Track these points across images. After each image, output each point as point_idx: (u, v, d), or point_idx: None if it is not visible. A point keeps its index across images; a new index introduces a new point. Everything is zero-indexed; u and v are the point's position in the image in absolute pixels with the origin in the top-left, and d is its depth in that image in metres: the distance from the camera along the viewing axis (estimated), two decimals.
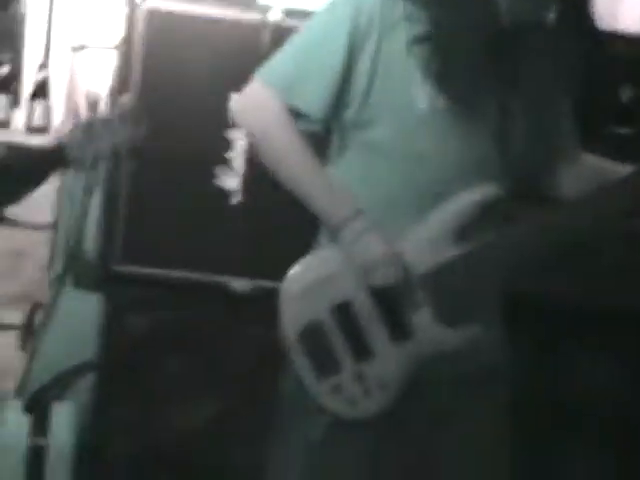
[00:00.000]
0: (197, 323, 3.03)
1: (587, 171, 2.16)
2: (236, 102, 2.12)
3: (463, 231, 2.02)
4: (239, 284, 3.02)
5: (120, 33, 3.13)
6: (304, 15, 3.03)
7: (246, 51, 2.94)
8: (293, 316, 2.04)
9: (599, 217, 1.99)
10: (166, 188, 3.00)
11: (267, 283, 2.96)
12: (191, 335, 3.05)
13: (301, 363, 2.03)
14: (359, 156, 2.08)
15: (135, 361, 3.03)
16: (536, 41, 2.04)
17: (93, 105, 3.29)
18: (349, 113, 2.05)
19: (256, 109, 2.06)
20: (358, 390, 2.01)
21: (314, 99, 2.03)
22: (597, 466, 3.11)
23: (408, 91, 2.01)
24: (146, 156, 2.93)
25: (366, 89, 2.02)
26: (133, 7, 2.99)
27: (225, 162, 3.00)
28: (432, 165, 2.02)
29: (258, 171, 2.86)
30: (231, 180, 3.00)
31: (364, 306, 2.01)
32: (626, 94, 2.93)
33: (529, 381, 2.86)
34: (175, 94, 2.99)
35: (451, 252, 2.01)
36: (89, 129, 2.18)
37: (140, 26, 2.97)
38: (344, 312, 2.02)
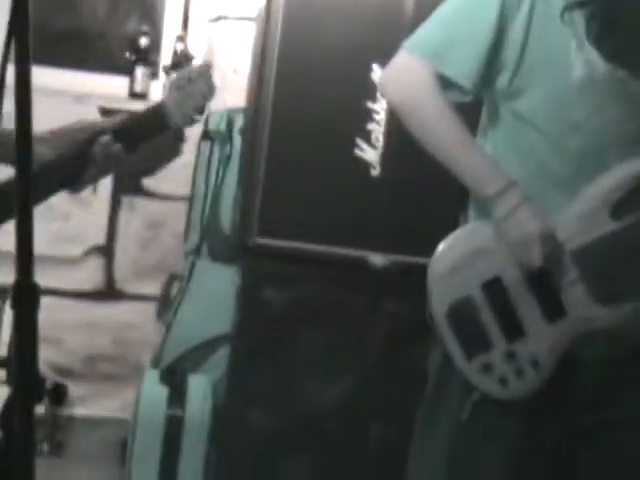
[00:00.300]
0: (335, 298, 2.97)
1: None
2: (384, 73, 2.06)
3: (620, 205, 1.94)
4: (378, 259, 2.93)
5: (259, 3, 3.07)
6: None
7: (388, 21, 2.90)
8: (442, 293, 1.98)
9: None
10: (305, 159, 2.96)
11: (406, 258, 2.93)
12: (328, 310, 3.00)
13: (450, 341, 1.97)
14: (511, 127, 2.02)
15: (272, 335, 2.99)
16: None
17: None
18: (500, 83, 1.99)
19: (405, 79, 2.00)
20: (509, 369, 1.95)
21: (465, 68, 1.97)
22: None
23: (563, 59, 1.93)
24: (285, 127, 2.93)
25: (518, 58, 1.96)
26: None
27: (365, 134, 2.92)
28: (587, 135, 1.95)
29: (398, 144, 2.88)
30: (371, 152, 2.92)
31: (516, 282, 1.94)
32: None
33: None
34: (315, 65, 2.94)
35: (607, 227, 1.93)
36: (183, 86, 2.15)
37: None
38: (495, 288, 1.96)
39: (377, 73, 2.90)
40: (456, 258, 1.99)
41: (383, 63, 2.86)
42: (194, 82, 2.14)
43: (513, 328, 1.95)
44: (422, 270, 2.90)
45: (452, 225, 2.82)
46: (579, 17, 1.92)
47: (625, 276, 1.96)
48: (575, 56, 1.93)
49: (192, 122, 2.16)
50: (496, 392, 1.96)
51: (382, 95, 2.08)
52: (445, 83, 1.98)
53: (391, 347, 2.98)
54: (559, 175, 1.97)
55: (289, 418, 2.98)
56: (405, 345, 2.95)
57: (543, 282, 1.94)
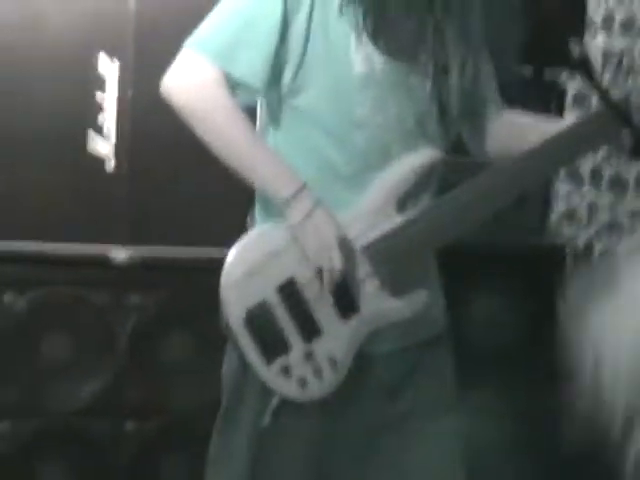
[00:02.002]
0: (78, 296, 2.85)
1: (507, 127, 2.13)
2: (168, 75, 1.92)
3: (405, 198, 1.95)
4: (119, 253, 2.82)
5: None
6: None
7: (112, 8, 2.80)
8: (238, 300, 1.91)
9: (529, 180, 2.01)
10: (34, 157, 2.80)
11: (146, 250, 2.88)
12: (72, 309, 2.88)
13: (248, 347, 1.91)
14: (294, 126, 1.98)
15: (14, 341, 2.85)
16: None
17: None
18: (284, 80, 1.94)
19: (191, 82, 1.91)
20: (308, 370, 1.91)
21: (253, 67, 1.91)
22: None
23: (343, 54, 1.91)
24: (12, 125, 2.76)
25: (301, 53, 1.92)
26: None
27: (97, 126, 2.80)
28: (371, 131, 1.94)
29: (131, 135, 2.77)
30: (104, 145, 2.78)
31: (309, 282, 1.91)
32: None
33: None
34: (40, 57, 2.79)
35: (394, 221, 1.93)
36: None
37: None
38: (290, 290, 1.92)
39: (103, 62, 2.79)
40: (249, 263, 1.92)
41: (109, 52, 2.78)
42: None
43: (310, 328, 1.92)
44: (165, 262, 2.87)
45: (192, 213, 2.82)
46: (357, 11, 1.90)
47: (412, 268, 1.97)
48: (355, 51, 1.91)
49: None
50: (296, 394, 1.92)
51: (167, 98, 1.94)
52: (233, 82, 1.91)
53: (138, 342, 2.91)
54: (345, 172, 1.95)
55: (41, 424, 2.86)
56: (152, 339, 2.90)
57: (336, 280, 1.92)
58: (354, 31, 1.90)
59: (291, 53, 1.91)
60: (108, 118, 2.80)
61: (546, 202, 3.33)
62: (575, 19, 3.05)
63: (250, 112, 1.98)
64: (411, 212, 1.93)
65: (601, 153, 3.39)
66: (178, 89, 1.89)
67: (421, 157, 1.95)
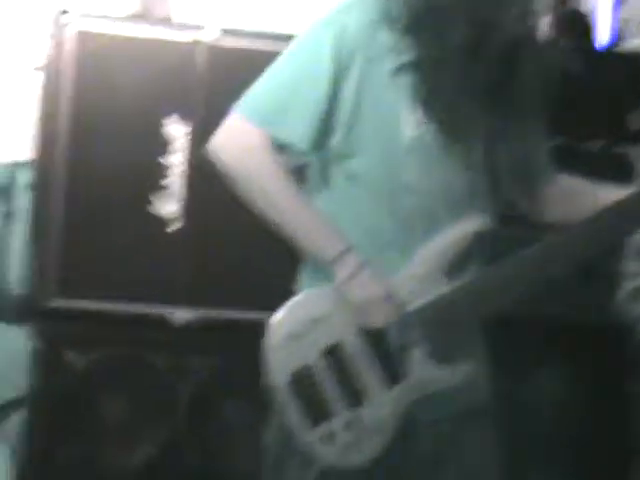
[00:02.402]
0: (139, 357, 2.86)
1: (564, 192, 2.11)
2: (215, 139, 1.94)
3: (454, 265, 1.94)
4: (181, 314, 2.82)
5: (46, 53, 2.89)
6: (242, 35, 2.90)
7: (180, 73, 2.84)
8: (281, 362, 1.92)
9: (581, 252, 1.97)
10: (101, 218, 2.82)
11: (210, 312, 2.88)
12: (133, 370, 2.90)
13: (291, 412, 1.90)
14: (343, 188, 1.98)
15: (74, 400, 2.85)
16: (523, 62, 1.97)
17: None
18: (333, 143, 1.95)
19: (238, 146, 1.93)
20: (351, 437, 1.89)
21: (300, 131, 1.92)
22: None
23: (394, 121, 1.92)
24: (80, 183, 2.80)
25: (351, 119, 1.93)
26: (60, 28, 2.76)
27: (160, 189, 2.81)
28: (419, 196, 1.94)
29: (197, 197, 2.78)
30: (169, 206, 2.79)
31: (356, 348, 1.90)
32: None
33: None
34: (107, 119, 2.82)
35: (442, 287, 1.93)
36: None
37: (69, 47, 2.75)
38: (335, 355, 1.91)
39: (169, 127, 2.82)
40: (294, 326, 1.92)
41: (175, 117, 2.81)
42: None
43: (354, 395, 1.90)
44: (228, 324, 2.86)
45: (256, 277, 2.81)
46: (408, 80, 1.91)
47: (460, 336, 1.97)
48: (405, 118, 1.92)
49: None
50: (338, 461, 1.90)
51: (215, 162, 1.95)
52: (280, 146, 1.93)
53: (198, 406, 2.90)
54: (391, 236, 1.94)
55: None
56: (213, 402, 2.88)
57: (383, 346, 1.91)
58: (405, 97, 1.91)
59: (341, 117, 1.92)
60: (175, 180, 2.81)
61: (614, 280, 3.24)
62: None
63: (300, 172, 2.00)
64: (460, 280, 1.92)
65: None
66: (224, 152, 1.91)
67: (470, 224, 1.94)
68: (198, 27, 2.86)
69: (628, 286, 3.38)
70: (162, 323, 2.85)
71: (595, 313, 3.25)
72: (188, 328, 2.85)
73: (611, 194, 1.98)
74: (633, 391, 3.28)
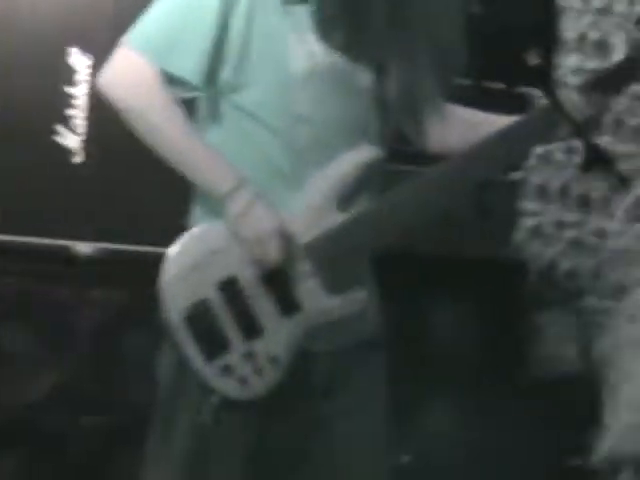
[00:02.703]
0: (41, 290, 2.83)
1: (456, 123, 2.16)
2: (105, 73, 1.94)
3: (345, 196, 1.97)
4: (84, 247, 2.81)
5: None
6: None
7: (86, 4, 2.80)
8: (178, 297, 1.92)
9: (471, 177, 2.02)
10: (5, 145, 2.77)
11: (114, 246, 2.88)
12: (34, 303, 2.87)
13: (188, 345, 1.91)
14: (234, 121, 1.98)
15: None
16: None
17: None
18: (224, 76, 1.95)
19: (128, 80, 1.92)
20: (249, 368, 1.92)
21: (190, 64, 1.92)
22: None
23: (285, 52, 1.94)
24: None
25: (241, 52, 1.93)
26: None
27: (65, 119, 2.78)
28: (312, 127, 1.95)
29: (100, 130, 2.74)
30: (71, 138, 2.75)
31: (251, 280, 1.92)
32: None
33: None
34: (9, 50, 2.75)
35: (335, 218, 1.95)
36: None
37: None
38: (231, 288, 1.92)
39: (75, 56, 2.78)
40: (188, 261, 1.93)
41: (81, 46, 2.76)
42: None
43: (251, 327, 1.92)
44: (131, 258, 2.84)
45: (161, 212, 2.80)
46: (301, 9, 1.92)
47: (352, 266, 2.00)
48: (296, 48, 1.93)
49: None
50: (237, 393, 1.92)
51: (107, 96, 1.93)
52: (171, 79, 1.92)
53: (102, 337, 2.91)
54: (284, 168, 1.96)
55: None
56: (116, 334, 2.91)
57: (277, 278, 1.93)
58: (296, 28, 1.92)
59: (231, 50, 1.92)
60: (78, 112, 2.77)
61: (513, 218, 3.33)
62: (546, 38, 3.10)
63: (191, 106, 1.99)
64: (352, 211, 1.95)
65: (570, 172, 3.43)
66: (115, 87, 1.90)
67: (361, 154, 1.96)
68: None
69: (525, 224, 3.48)
70: (66, 256, 2.82)
71: (492, 250, 3.34)
72: (91, 261, 2.82)
73: (505, 122, 2.02)
74: (527, 327, 3.46)
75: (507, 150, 1.97)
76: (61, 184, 2.79)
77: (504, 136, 1.96)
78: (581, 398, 3.29)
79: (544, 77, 1.97)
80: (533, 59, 1.92)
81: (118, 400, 2.94)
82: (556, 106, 1.95)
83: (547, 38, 3.20)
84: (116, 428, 2.94)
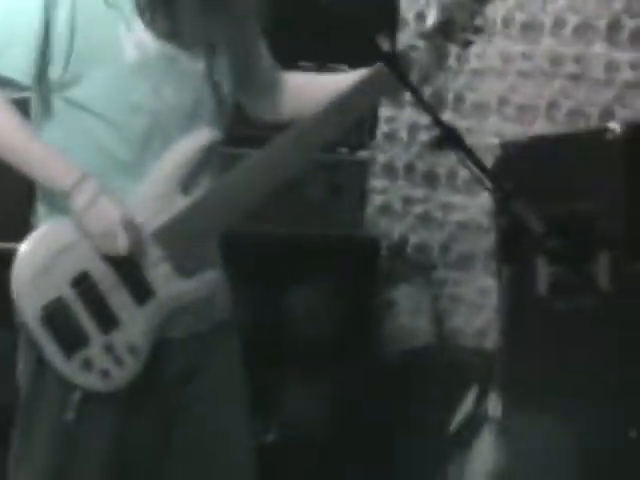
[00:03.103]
0: None
1: (297, 89, 2.26)
2: None
3: (188, 180, 2.04)
4: None
5: None
6: None
7: None
8: (32, 298, 1.96)
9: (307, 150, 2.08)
10: None
11: None
12: None
13: (46, 344, 1.96)
14: (67, 117, 2.03)
15: None
16: None
17: None
18: (53, 74, 2.01)
19: None
20: (109, 360, 1.97)
21: (19, 65, 1.97)
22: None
23: (114, 44, 2.00)
24: None
25: (68, 47, 1.99)
26: None
27: None
28: (149, 116, 2.02)
29: None
30: None
31: (103, 273, 1.97)
32: None
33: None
34: None
35: (180, 204, 2.02)
36: None
37: None
38: (84, 283, 1.97)
39: None
40: (39, 260, 1.97)
41: None
42: None
43: (107, 319, 1.98)
44: None
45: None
46: (126, 1, 1.99)
47: (200, 250, 2.07)
48: (125, 39, 1.99)
49: None
50: (99, 386, 1.97)
51: None
52: (4, 82, 1.98)
53: None
54: (124, 159, 2.02)
55: None
56: None
57: (128, 267, 1.99)
58: (123, 19, 1.98)
59: (57, 49, 1.98)
60: None
61: (363, 196, 3.44)
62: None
63: (22, 106, 2.03)
64: (195, 194, 2.02)
65: (415, 149, 3.56)
66: None
67: (198, 138, 2.03)
68: None
69: (375, 202, 3.59)
70: None
71: (345, 228, 3.44)
72: None
73: (340, 82, 2.11)
74: (379, 301, 3.62)
75: (343, 112, 2.05)
76: None
77: (340, 100, 2.05)
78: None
79: (392, 58, 2.04)
80: (384, 43, 1.99)
81: None
82: (404, 83, 2.03)
83: (391, 21, 3.33)
84: None
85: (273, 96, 2.27)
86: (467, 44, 2.27)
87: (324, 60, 3.25)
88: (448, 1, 2.26)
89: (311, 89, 2.22)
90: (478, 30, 2.25)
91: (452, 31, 2.17)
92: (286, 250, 3.24)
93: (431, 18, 2.33)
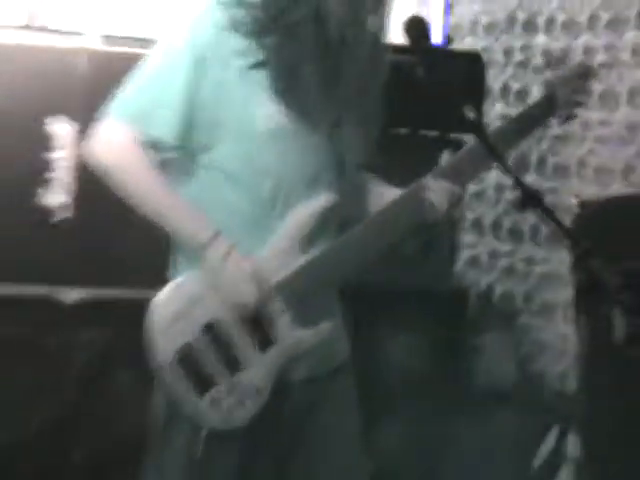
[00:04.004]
0: (27, 337, 2.92)
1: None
2: (91, 141, 2.07)
3: (308, 239, 2.10)
4: (68, 294, 2.94)
5: None
6: (123, 41, 2.99)
7: (61, 76, 2.94)
8: (165, 342, 2.05)
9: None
10: None
11: (97, 291, 2.99)
12: (22, 350, 2.94)
13: (178, 385, 2.04)
14: (206, 177, 2.12)
15: None
16: (361, 54, 2.13)
17: None
18: (195, 137, 2.09)
19: (109, 146, 2.04)
20: (234, 400, 2.05)
21: (167, 127, 2.06)
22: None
23: (249, 115, 2.06)
24: None
25: (209, 113, 2.07)
26: None
27: (45, 182, 2.93)
28: (276, 179, 2.09)
29: (86, 188, 2.92)
30: (56, 197, 2.92)
31: (230, 322, 2.05)
32: None
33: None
34: None
35: (300, 259, 2.09)
36: None
37: None
38: (213, 330, 2.06)
39: (54, 126, 2.92)
40: (174, 308, 2.06)
41: (60, 117, 2.90)
42: None
43: (233, 363, 2.05)
44: (113, 302, 2.97)
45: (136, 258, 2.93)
46: (260, 75, 2.05)
47: (317, 302, 2.12)
48: (258, 111, 2.06)
49: None
50: (224, 424, 2.05)
51: (92, 162, 2.07)
52: (150, 141, 2.06)
53: (87, 381, 2.99)
54: (251, 218, 2.09)
55: None
56: (103, 377, 2.99)
57: (253, 317, 2.05)
58: (257, 92, 2.06)
59: (200, 113, 2.06)
60: (62, 174, 2.92)
61: (453, 250, 3.51)
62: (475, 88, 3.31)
63: (166, 166, 2.11)
64: (314, 252, 2.08)
65: (501, 207, 3.62)
66: (99, 152, 2.04)
67: (319, 202, 2.10)
68: (79, 34, 3.03)
69: (464, 255, 3.65)
70: (49, 303, 2.94)
71: (437, 281, 3.46)
72: (76, 307, 2.95)
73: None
74: (472, 345, 3.67)
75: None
76: (45, 238, 2.93)
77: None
78: None
79: (478, 126, 2.12)
80: (470, 112, 2.08)
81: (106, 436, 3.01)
82: (490, 150, 2.13)
83: (478, 91, 3.41)
84: (106, 465, 3.00)
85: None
86: (568, 118, 2.29)
87: (416, 127, 3.33)
88: (553, 77, 2.30)
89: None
90: (580, 104, 2.28)
91: (554, 107, 2.20)
92: (384, 302, 3.25)
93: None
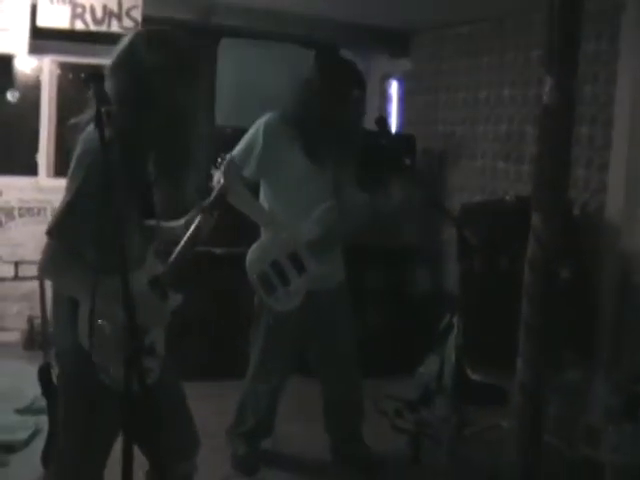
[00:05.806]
0: None
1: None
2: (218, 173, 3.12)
3: (323, 222, 3.55)
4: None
5: None
6: None
7: None
8: (253, 268, 3.53)
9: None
10: None
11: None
12: None
13: (260, 289, 3.56)
14: (270, 192, 3.61)
15: None
16: (346, 129, 3.48)
17: None
18: (262, 174, 3.56)
19: (235, 182, 3.42)
20: (287, 298, 3.59)
21: (251, 170, 3.53)
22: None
23: (287, 161, 3.48)
24: None
25: (267, 166, 3.49)
26: None
27: None
28: (302, 195, 3.52)
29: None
30: None
31: (284, 259, 3.57)
32: None
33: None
34: None
35: (320, 231, 3.54)
36: None
37: None
38: (276, 264, 3.56)
39: None
40: (257, 251, 3.53)
41: None
42: None
43: (286, 280, 3.54)
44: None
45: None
46: (297, 141, 3.45)
47: (330, 250, 3.67)
48: (291, 158, 3.45)
49: None
50: (283, 308, 3.61)
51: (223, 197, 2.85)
52: (245, 177, 3.52)
53: None
54: (295, 212, 3.54)
55: None
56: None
57: (296, 257, 3.53)
58: (292, 146, 3.42)
59: (263, 165, 3.48)
60: None
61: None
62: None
63: (251, 187, 3.55)
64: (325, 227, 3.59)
65: None
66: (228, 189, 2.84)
67: (327, 206, 3.55)
68: None
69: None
70: None
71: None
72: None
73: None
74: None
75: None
76: None
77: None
78: None
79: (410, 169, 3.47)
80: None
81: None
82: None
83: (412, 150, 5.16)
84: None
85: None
86: None
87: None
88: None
89: None
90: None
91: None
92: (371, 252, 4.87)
93: None
